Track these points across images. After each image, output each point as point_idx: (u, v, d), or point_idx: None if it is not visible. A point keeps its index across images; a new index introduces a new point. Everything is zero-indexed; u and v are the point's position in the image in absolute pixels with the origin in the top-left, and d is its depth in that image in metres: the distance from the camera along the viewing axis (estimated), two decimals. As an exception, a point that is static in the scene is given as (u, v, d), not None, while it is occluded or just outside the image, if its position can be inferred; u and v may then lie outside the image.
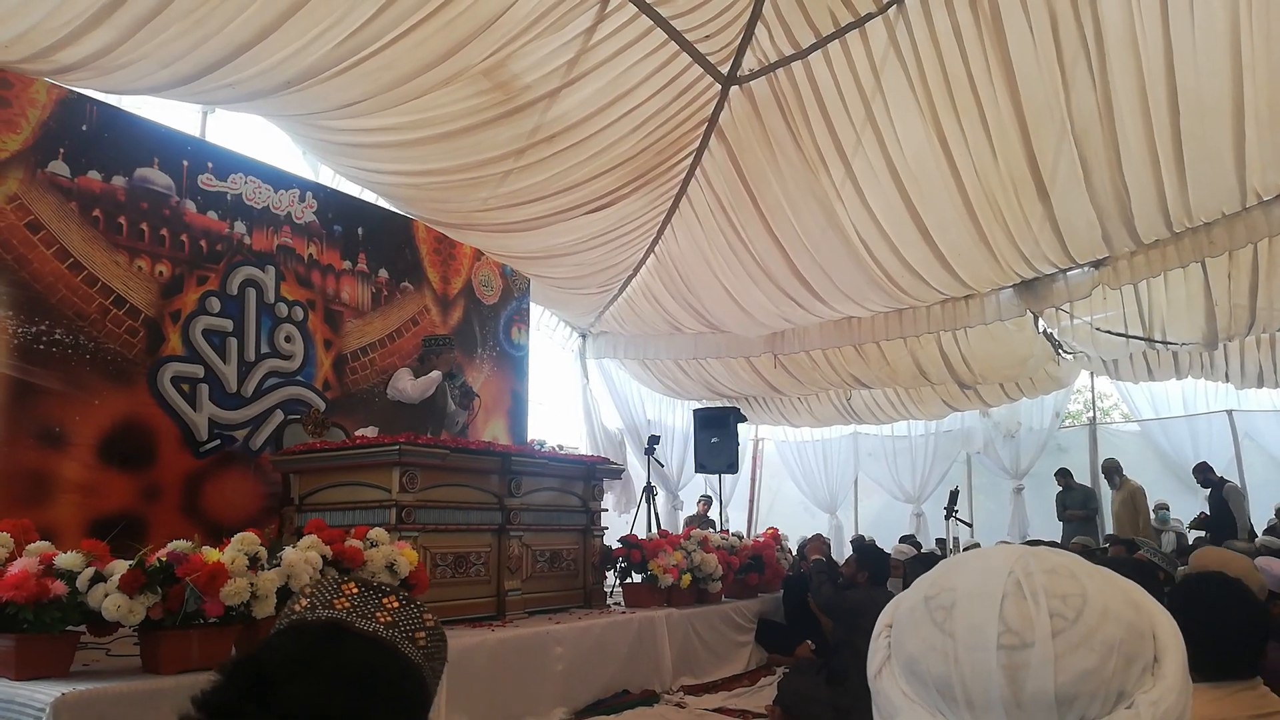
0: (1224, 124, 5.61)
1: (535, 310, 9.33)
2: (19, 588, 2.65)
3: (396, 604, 1.02)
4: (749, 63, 6.69)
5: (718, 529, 8.91)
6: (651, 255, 8.83)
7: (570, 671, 4.43)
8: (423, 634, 1.02)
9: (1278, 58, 5.17)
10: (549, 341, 10.27)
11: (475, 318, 8.02)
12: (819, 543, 6.54)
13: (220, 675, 0.86)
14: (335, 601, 1.00)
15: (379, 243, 7.03)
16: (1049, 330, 8.62)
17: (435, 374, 5.58)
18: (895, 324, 8.92)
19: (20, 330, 4.80)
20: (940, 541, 9.71)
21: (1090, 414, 12.36)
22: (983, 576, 0.72)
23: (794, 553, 7.64)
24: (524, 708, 4.13)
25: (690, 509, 10.83)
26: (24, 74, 4.85)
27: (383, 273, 7.05)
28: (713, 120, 7.17)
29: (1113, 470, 9.63)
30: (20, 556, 2.80)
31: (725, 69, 6.70)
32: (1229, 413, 10.37)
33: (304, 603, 1.01)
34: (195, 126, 6.11)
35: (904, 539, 9.33)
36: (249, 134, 6.48)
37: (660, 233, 8.45)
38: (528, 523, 5.10)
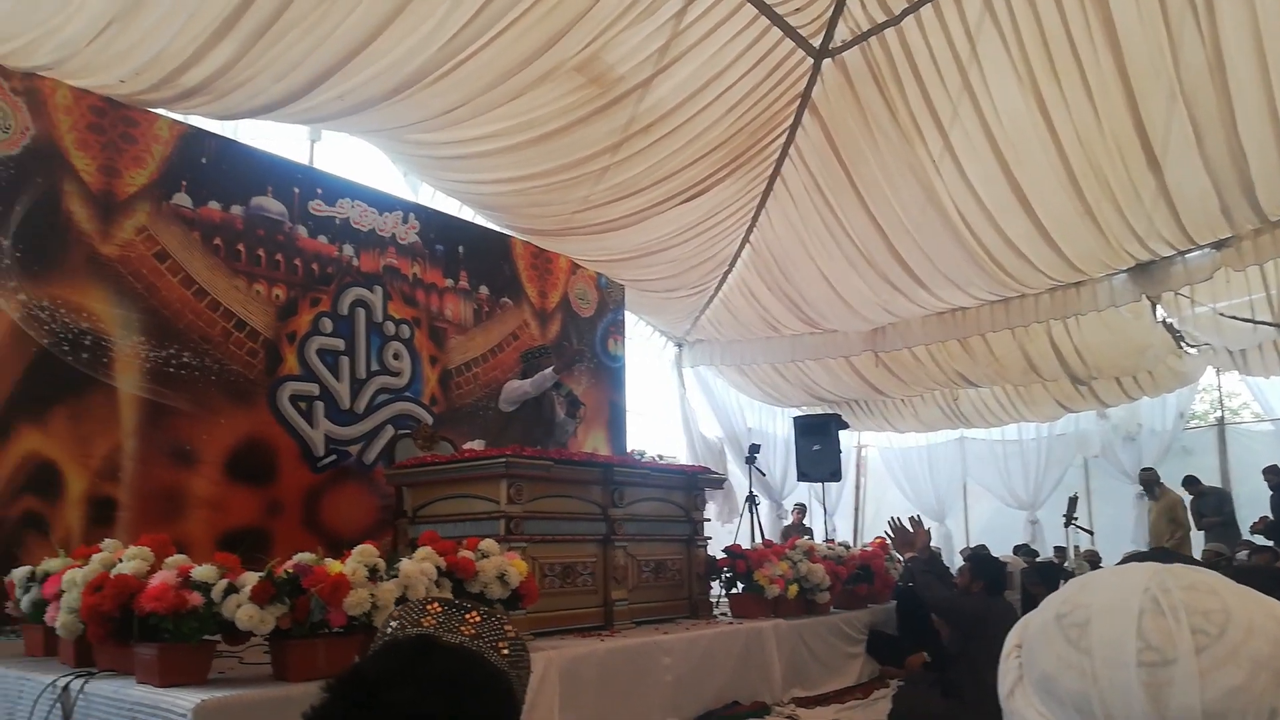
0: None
1: (630, 320, 9.38)
2: (160, 599, 2.79)
3: (479, 618, 1.11)
4: (841, 33, 6.62)
5: (815, 537, 8.76)
6: (747, 245, 8.79)
7: (679, 682, 4.41)
8: (505, 644, 1.10)
9: None
10: (645, 352, 10.32)
11: (572, 330, 8.11)
12: (911, 536, 5.19)
13: (326, 691, 0.95)
14: (422, 620, 1.10)
15: (478, 260, 7.20)
16: (1169, 319, 8.18)
17: (549, 370, 5.63)
18: (1002, 314, 8.60)
19: (151, 354, 5.09)
20: (1059, 550, 9.30)
21: (1218, 413, 11.68)
22: (1117, 593, 0.71)
23: (903, 562, 7.43)
24: (634, 717, 4.13)
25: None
26: (147, 106, 5.16)
27: (483, 289, 7.21)
28: (805, 95, 7.11)
29: (1151, 482, 9.27)
30: (160, 570, 2.96)
31: (817, 41, 6.65)
32: (1374, 409, 9.65)
33: (394, 624, 1.12)
34: (304, 155, 6.40)
35: (1018, 548, 8.98)
36: (353, 160, 6.78)
37: (755, 219, 8.41)
38: (632, 533, 5.10)
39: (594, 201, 7.20)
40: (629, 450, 8.07)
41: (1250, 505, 9.56)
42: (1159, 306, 8.00)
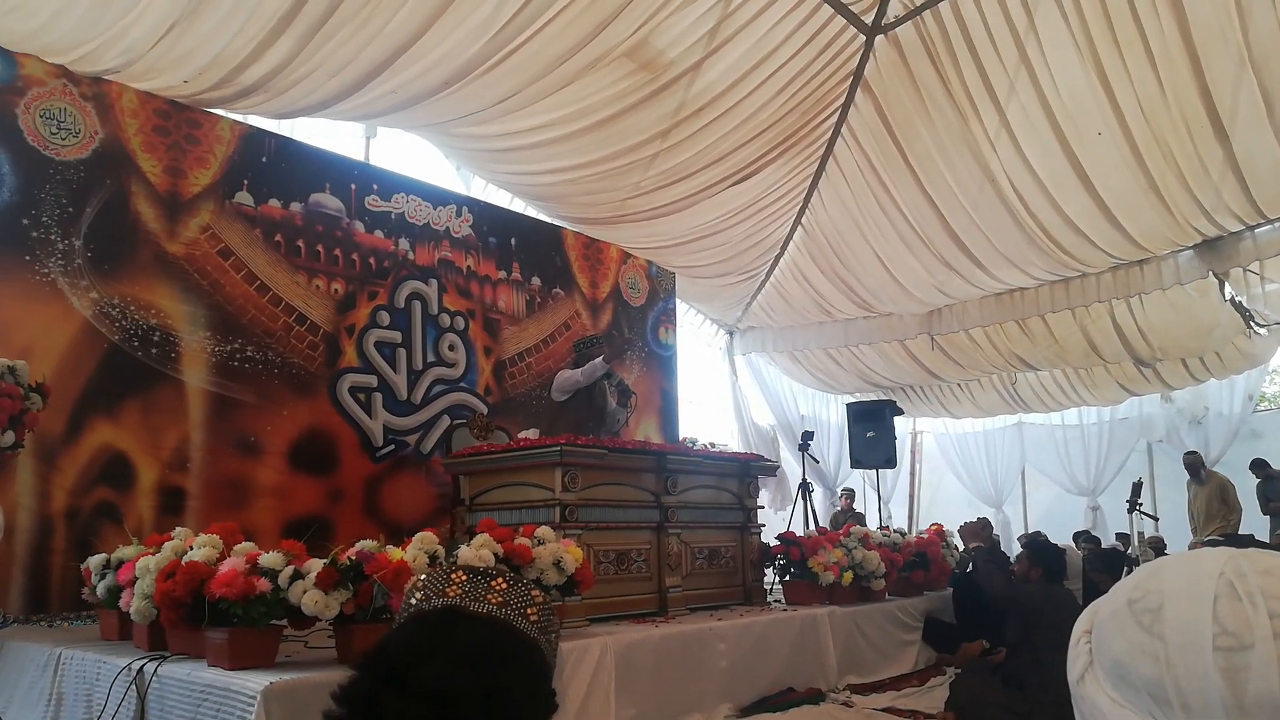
0: None
1: (681, 309, 9.37)
2: (229, 585, 2.88)
3: (505, 585, 1.08)
4: (894, 9, 6.49)
5: (866, 523, 8.67)
6: (799, 228, 8.67)
7: (734, 668, 4.42)
8: (533, 609, 1.07)
9: None
10: (696, 340, 10.31)
11: (624, 319, 8.15)
12: (976, 527, 5.91)
13: (355, 669, 0.94)
14: (447, 590, 1.07)
15: (530, 252, 7.27)
16: (1237, 297, 7.90)
17: (598, 360, 5.71)
18: (1062, 294, 8.35)
19: (217, 349, 5.25)
20: (1122, 536, 9.09)
21: (1289, 395, 11.29)
22: (1191, 578, 0.70)
23: (959, 549, 7.34)
24: (690, 703, 4.15)
25: (848, 505, 10.62)
26: (208, 106, 5.32)
27: (535, 280, 7.28)
28: (858, 73, 6.99)
29: (1196, 465, 9.10)
30: (228, 557, 3.06)
31: (869, 18, 6.53)
32: None
33: (419, 595, 1.09)
34: (359, 152, 6.52)
35: (1078, 535, 8.80)
36: (407, 155, 6.89)
37: (807, 200, 8.29)
38: (685, 520, 5.12)
39: (645, 187, 7.20)
40: (681, 438, 8.09)
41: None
42: (1227, 284, 7.71)
